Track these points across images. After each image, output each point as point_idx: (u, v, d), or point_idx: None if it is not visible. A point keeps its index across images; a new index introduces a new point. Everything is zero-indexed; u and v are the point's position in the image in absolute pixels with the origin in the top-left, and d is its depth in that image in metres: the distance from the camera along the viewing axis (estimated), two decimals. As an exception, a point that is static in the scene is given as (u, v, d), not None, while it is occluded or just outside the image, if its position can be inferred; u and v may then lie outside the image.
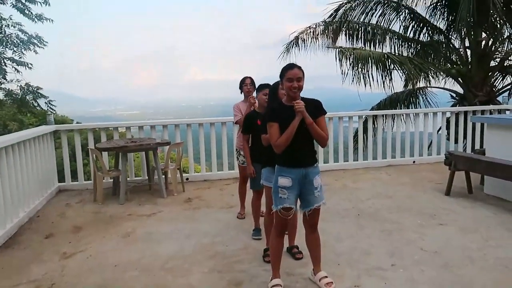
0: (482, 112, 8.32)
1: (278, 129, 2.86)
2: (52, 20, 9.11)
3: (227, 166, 7.28)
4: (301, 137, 2.85)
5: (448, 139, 8.71)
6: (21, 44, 8.72)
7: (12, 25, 8.79)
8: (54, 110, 10.07)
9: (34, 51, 8.96)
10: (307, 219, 3.05)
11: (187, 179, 7.00)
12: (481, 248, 3.77)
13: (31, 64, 8.79)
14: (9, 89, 8.72)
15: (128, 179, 6.62)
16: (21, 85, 8.93)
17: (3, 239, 4.29)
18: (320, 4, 9.95)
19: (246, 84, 4.73)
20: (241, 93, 4.84)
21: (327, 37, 9.66)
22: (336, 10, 10.17)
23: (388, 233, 4.26)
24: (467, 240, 4.00)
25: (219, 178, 7.15)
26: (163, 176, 6.38)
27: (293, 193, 2.93)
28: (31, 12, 8.95)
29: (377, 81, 8.84)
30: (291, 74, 2.84)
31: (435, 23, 10.27)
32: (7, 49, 8.72)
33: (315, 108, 2.92)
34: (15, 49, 8.72)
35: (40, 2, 8.88)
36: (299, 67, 2.91)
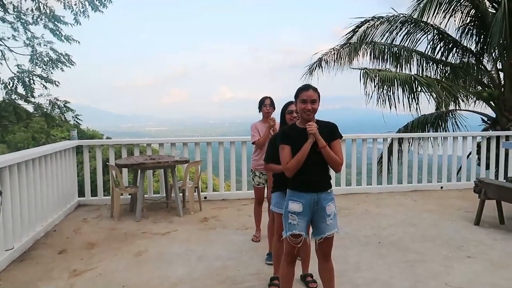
0: (516, 137, 7.91)
1: (289, 152, 2.73)
2: (79, 42, 9.47)
3: (245, 186, 7.16)
4: (314, 161, 2.71)
5: (479, 164, 8.31)
6: (50, 62, 9.04)
7: (44, 44, 9.19)
8: (80, 124, 10.34)
9: (61, 69, 9.27)
10: (319, 248, 2.88)
11: (205, 197, 6.93)
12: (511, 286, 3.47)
13: (58, 82, 9.13)
14: (38, 102, 9.05)
15: (146, 195, 6.61)
16: (50, 99, 9.23)
17: (18, 253, 4.30)
18: (349, 23, 9.82)
19: (265, 105, 4.63)
20: (259, 112, 4.75)
21: (349, 58, 9.51)
22: (359, 27, 9.97)
23: (410, 265, 4.00)
24: (497, 276, 3.69)
25: (237, 198, 7.04)
26: (181, 194, 6.33)
27: (304, 219, 2.77)
28: (61, 33, 9.32)
29: (403, 103, 8.57)
30: (305, 96, 2.73)
31: (465, 44, 9.94)
32: (37, 67, 9.06)
33: (330, 131, 2.78)
34: (44, 67, 9.05)
35: (71, 24, 9.25)
36: (315, 89, 2.79)
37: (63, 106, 9.34)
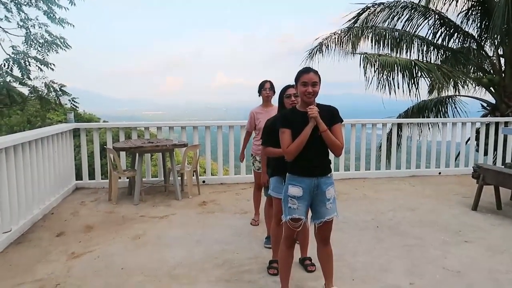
0: (515, 123, 7.89)
1: (290, 136, 2.69)
2: (73, 25, 9.27)
3: (244, 170, 7.14)
4: (314, 145, 2.68)
5: (477, 150, 8.30)
6: (46, 44, 8.87)
7: (38, 26, 9.00)
8: (77, 108, 10.23)
9: (56, 51, 9.10)
10: (318, 232, 2.87)
11: (203, 181, 6.92)
12: (509, 271, 3.48)
13: (53, 65, 8.95)
14: (34, 85, 8.90)
15: (144, 179, 6.60)
16: (45, 82, 9.08)
17: (15, 235, 4.29)
18: (350, 9, 9.61)
19: (265, 89, 4.56)
20: (259, 96, 4.69)
21: (351, 42, 9.39)
22: (360, 14, 9.86)
23: (408, 249, 4.01)
24: (494, 261, 3.71)
25: (236, 182, 7.03)
26: (179, 178, 6.31)
27: (304, 204, 2.76)
28: (55, 16, 9.10)
29: (403, 88, 8.51)
30: (306, 78, 2.68)
31: (467, 30, 9.83)
32: (31, 48, 8.88)
33: (331, 115, 2.74)
34: (39, 49, 8.87)
35: (65, 8, 9.03)
36: (316, 72, 2.74)
37: (58, 89, 9.20)
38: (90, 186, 6.63)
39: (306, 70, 2.74)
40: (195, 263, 3.69)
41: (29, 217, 4.70)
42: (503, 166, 6.37)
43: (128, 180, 6.33)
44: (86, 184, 6.67)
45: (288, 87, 3.47)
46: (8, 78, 8.64)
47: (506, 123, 7.89)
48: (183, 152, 6.15)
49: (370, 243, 4.19)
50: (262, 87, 4.57)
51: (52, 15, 8.99)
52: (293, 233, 2.83)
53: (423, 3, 9.82)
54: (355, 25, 9.97)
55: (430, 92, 10.46)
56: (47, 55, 8.91)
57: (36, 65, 8.72)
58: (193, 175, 6.27)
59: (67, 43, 9.34)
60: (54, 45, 9.03)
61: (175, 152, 6.18)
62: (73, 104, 9.55)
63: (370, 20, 9.96)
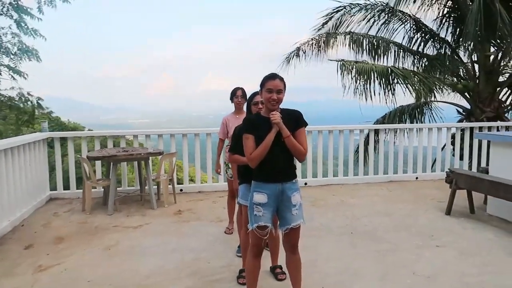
0: (489, 128, 8.05)
1: (253, 142, 2.67)
2: (45, 38, 9.02)
3: (223, 177, 7.09)
4: (278, 150, 2.66)
5: (453, 155, 8.45)
6: (19, 52, 8.65)
7: (12, 35, 8.78)
8: (51, 118, 9.98)
9: (29, 59, 8.87)
10: (285, 240, 2.84)
11: (181, 190, 6.85)
12: (479, 274, 3.52)
13: (27, 74, 8.72)
14: (8, 95, 8.69)
15: (119, 189, 6.50)
16: (21, 93, 8.87)
17: (-19, 248, 4.15)
18: (326, 7, 9.56)
19: (237, 96, 4.56)
20: (232, 103, 4.68)
21: (325, 46, 9.45)
22: (332, 14, 9.89)
23: (382, 254, 4.03)
24: (465, 264, 3.75)
25: (214, 190, 6.97)
26: (155, 187, 6.23)
27: (269, 210, 2.73)
28: (27, 26, 8.84)
29: (379, 94, 8.62)
30: (272, 85, 2.66)
31: (442, 36, 10.04)
32: (4, 56, 8.67)
33: (295, 119, 2.73)
34: (12, 57, 8.64)
35: (38, 18, 8.78)
36: (281, 78, 2.73)
37: (36, 102, 8.98)
38: (64, 197, 6.49)
39: (272, 76, 2.72)
40: (167, 272, 3.63)
41: (-3, 229, 4.56)
42: (476, 171, 6.48)
43: (103, 190, 6.22)
44: (60, 195, 6.52)
45: (255, 94, 3.46)
46: None
47: (480, 128, 8.05)
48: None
49: (344, 249, 4.19)
50: (234, 94, 4.56)
51: (24, 24, 8.74)
52: (260, 241, 2.80)
53: (398, 6, 9.92)
54: (329, 25, 9.98)
55: (418, 99, 10.56)
56: (20, 62, 8.68)
57: (9, 74, 8.49)
58: (170, 184, 6.19)
59: (38, 56, 9.10)
60: (27, 53, 8.81)
61: (153, 161, 6.10)
62: (49, 116, 9.33)
63: (345, 21, 10.01)
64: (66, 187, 6.67)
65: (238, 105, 4.55)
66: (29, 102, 9.03)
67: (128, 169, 9.58)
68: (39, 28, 8.99)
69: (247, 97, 4.49)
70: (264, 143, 2.61)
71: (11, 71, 8.53)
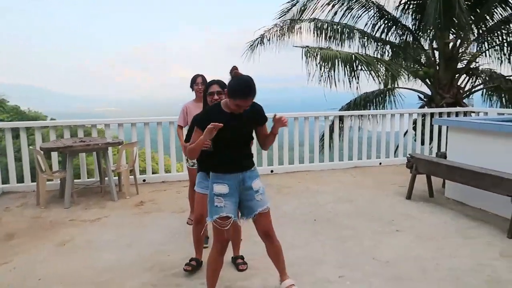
0: (448, 114, 8.28)
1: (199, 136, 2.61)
2: None
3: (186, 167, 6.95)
4: (241, 143, 2.70)
5: (415, 140, 8.65)
6: None
7: None
8: (3, 106, 9.43)
9: None
10: (258, 228, 2.82)
11: (144, 180, 6.67)
12: (435, 258, 3.60)
13: None
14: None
15: (78, 180, 6.26)
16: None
17: None
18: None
19: (197, 84, 4.45)
20: (192, 91, 4.55)
21: (288, 33, 9.39)
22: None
23: (342, 241, 4.05)
24: (421, 248, 3.82)
25: (179, 180, 6.83)
26: (116, 178, 6.03)
27: (231, 201, 2.68)
28: None
29: (343, 81, 8.68)
30: (243, 103, 2.55)
31: (404, 23, 10.18)
32: None
33: (259, 114, 2.79)
34: None
35: None
36: (254, 94, 2.59)
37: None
38: (18, 190, 6.17)
39: (245, 95, 2.55)
40: (123, 267, 3.50)
41: None
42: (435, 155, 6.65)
43: (60, 182, 5.95)
44: (14, 188, 6.20)
45: (212, 83, 3.33)
46: None
47: (440, 114, 8.26)
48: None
49: (306, 236, 4.19)
50: (194, 82, 4.45)
51: None
52: (223, 236, 2.72)
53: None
54: (294, 11, 9.91)
55: (385, 85, 10.66)
56: None
57: None
58: (131, 175, 6.00)
59: None
60: None
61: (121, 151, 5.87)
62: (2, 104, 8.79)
63: (309, 7, 9.94)
64: (20, 180, 6.35)
65: (198, 92, 4.42)
66: None
67: (90, 160, 9.26)
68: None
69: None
70: (197, 143, 2.59)
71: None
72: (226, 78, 2.69)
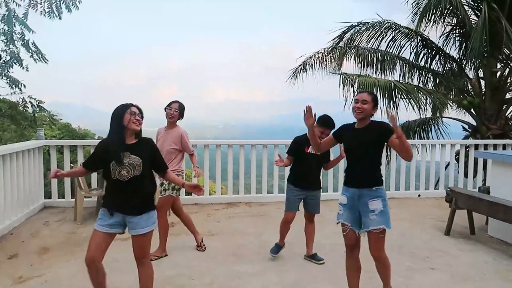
0: (495, 146, 7.84)
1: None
2: (46, 61, 8.70)
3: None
4: (357, 156, 3.04)
5: (458, 172, 8.24)
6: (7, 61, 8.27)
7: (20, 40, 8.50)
8: (55, 123, 9.92)
9: (26, 69, 8.47)
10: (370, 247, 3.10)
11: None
12: (470, 301, 3.35)
13: (24, 85, 8.45)
14: (9, 100, 8.69)
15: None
16: (23, 97, 8.83)
17: (-35, 257, 4.11)
18: (334, 27, 9.61)
19: (170, 108, 4.36)
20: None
21: (336, 62, 9.45)
22: (345, 32, 9.96)
23: (371, 276, 3.86)
24: (456, 289, 3.58)
25: (210, 203, 6.89)
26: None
27: (348, 212, 3.11)
28: (24, 38, 8.40)
29: (381, 110, 8.49)
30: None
31: (448, 52, 9.91)
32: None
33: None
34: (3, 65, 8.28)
35: (32, 30, 8.34)
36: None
37: (36, 105, 8.96)
38: (59, 205, 6.46)
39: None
40: (145, 289, 3.52)
41: (-16, 237, 4.53)
42: (477, 190, 6.29)
43: (97, 199, 6.17)
44: (55, 203, 6.50)
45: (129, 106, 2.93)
46: None
47: (485, 146, 7.85)
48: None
49: (332, 268, 4.04)
50: (168, 106, 4.38)
51: (16, 35, 8.42)
52: (346, 239, 3.34)
53: (405, 24, 9.92)
54: (339, 45, 10.03)
55: (434, 113, 10.38)
56: (8, 71, 8.32)
57: (7, 83, 8.35)
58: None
59: (45, 57, 8.81)
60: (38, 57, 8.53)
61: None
62: (51, 120, 9.32)
63: (355, 39, 10.02)
64: (62, 195, 6.65)
65: (168, 117, 4.41)
66: (29, 107, 8.96)
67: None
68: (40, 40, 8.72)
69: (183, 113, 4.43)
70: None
71: (8, 80, 8.29)
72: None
